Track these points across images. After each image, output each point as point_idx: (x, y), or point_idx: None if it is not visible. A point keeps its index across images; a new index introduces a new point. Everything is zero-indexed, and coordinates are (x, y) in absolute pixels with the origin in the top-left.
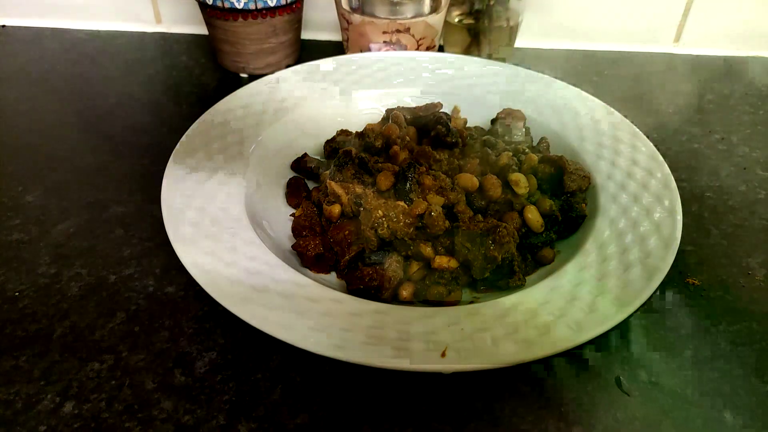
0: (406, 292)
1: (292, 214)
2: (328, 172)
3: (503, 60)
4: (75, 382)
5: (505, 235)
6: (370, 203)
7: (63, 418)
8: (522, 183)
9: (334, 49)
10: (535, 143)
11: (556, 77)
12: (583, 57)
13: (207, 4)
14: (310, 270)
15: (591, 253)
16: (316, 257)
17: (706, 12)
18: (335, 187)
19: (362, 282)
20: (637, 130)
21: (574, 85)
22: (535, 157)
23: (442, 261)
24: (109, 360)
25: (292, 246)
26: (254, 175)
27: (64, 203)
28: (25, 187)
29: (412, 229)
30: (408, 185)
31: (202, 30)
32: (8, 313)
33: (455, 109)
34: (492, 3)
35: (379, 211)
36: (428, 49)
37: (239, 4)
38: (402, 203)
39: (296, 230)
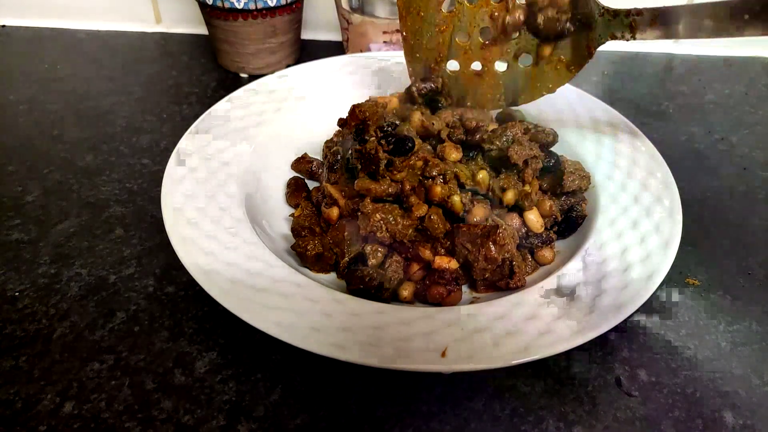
0: (406, 292)
1: (291, 214)
2: (331, 175)
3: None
4: (75, 382)
5: (505, 236)
6: (366, 206)
7: (63, 418)
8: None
9: (334, 49)
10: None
11: None
12: None
13: (207, 4)
14: (310, 270)
15: (591, 253)
16: (316, 257)
17: None
18: (332, 190)
19: (362, 282)
20: (637, 130)
21: (575, 85)
22: (547, 203)
23: (443, 261)
24: (109, 360)
25: (292, 246)
26: (254, 175)
27: (64, 203)
28: (25, 187)
29: (411, 231)
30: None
31: (202, 30)
32: (8, 313)
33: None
34: None
35: (377, 215)
36: None
37: (239, 4)
38: (397, 208)
39: (295, 230)
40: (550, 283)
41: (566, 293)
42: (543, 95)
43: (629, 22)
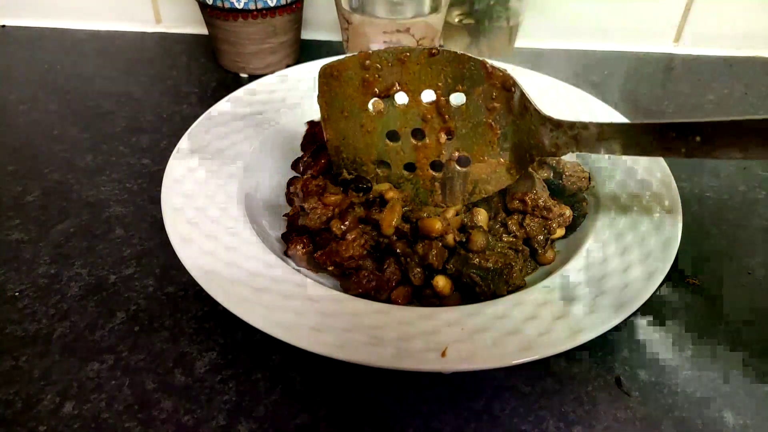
0: (406, 291)
1: (286, 214)
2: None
3: (503, 60)
4: (75, 382)
5: (518, 274)
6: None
7: (63, 418)
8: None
9: (334, 49)
10: None
11: (556, 77)
12: (583, 57)
13: (207, 4)
14: (308, 269)
15: (591, 253)
16: (308, 255)
17: (706, 12)
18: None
19: (360, 286)
20: None
21: (574, 85)
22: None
23: (438, 282)
24: (109, 360)
25: (284, 252)
26: (254, 175)
27: (64, 203)
28: (25, 187)
29: (366, 241)
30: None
31: (202, 30)
32: (8, 313)
33: None
34: (492, 3)
35: (329, 268)
36: None
37: (239, 4)
38: (356, 231)
39: (285, 235)
40: (551, 282)
41: (566, 293)
42: (482, 197)
43: (574, 135)
